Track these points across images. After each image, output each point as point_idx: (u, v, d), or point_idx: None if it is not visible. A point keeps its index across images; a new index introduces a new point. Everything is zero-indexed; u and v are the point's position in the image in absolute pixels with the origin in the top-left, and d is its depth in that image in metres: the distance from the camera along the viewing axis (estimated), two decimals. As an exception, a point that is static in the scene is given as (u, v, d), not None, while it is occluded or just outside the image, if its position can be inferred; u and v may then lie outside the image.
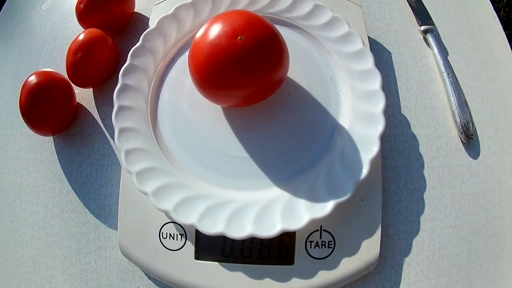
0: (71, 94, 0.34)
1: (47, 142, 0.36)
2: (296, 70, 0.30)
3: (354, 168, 0.27)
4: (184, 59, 0.31)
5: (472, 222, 0.31)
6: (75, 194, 0.33)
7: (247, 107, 0.28)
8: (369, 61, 0.29)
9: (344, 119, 0.29)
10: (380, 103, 0.28)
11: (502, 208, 0.32)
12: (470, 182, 0.32)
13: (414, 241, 0.30)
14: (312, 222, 0.25)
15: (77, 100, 0.35)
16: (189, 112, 0.29)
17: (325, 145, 0.28)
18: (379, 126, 0.27)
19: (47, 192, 0.34)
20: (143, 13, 0.37)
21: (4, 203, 0.36)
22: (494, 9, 0.41)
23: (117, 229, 0.31)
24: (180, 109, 0.29)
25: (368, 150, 0.27)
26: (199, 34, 0.26)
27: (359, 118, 0.28)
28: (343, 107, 0.29)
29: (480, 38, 0.38)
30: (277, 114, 0.29)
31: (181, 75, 0.31)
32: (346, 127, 0.28)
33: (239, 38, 0.24)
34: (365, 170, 0.26)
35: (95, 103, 0.35)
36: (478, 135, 0.33)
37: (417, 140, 0.32)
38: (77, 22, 0.36)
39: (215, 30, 0.25)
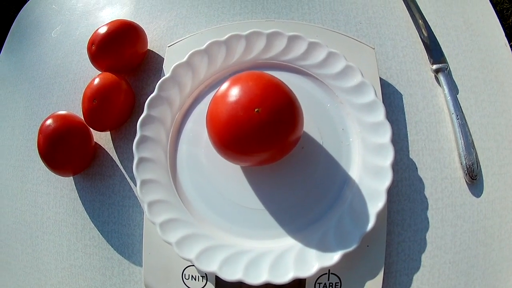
0: (89, 136, 0.37)
1: (66, 179, 0.40)
2: (310, 122, 0.33)
3: (361, 220, 0.31)
4: (199, 110, 0.34)
5: (470, 256, 0.36)
6: (98, 231, 0.37)
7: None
8: (380, 114, 0.33)
9: (354, 172, 0.32)
10: (389, 157, 0.31)
11: (501, 241, 0.36)
12: (472, 220, 0.36)
13: (415, 277, 0.35)
14: (321, 270, 0.30)
15: (94, 140, 0.38)
16: (207, 165, 0.33)
17: (336, 197, 0.32)
18: (387, 181, 0.31)
19: (69, 227, 0.39)
20: (156, 51, 0.40)
21: (25, 232, 0.41)
22: (502, 18, 0.43)
23: (140, 265, 0.36)
24: (199, 162, 0.33)
25: (375, 204, 0.31)
26: (217, 96, 0.29)
27: (368, 171, 0.32)
28: (353, 159, 0.33)
29: (491, 69, 0.40)
30: (292, 168, 0.32)
31: (198, 127, 0.34)
32: (355, 180, 0.32)
33: (256, 110, 0.27)
34: (371, 224, 0.30)
35: (113, 144, 0.38)
36: (483, 173, 0.37)
37: (423, 183, 0.36)
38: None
39: (232, 98, 0.28)
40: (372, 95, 0.33)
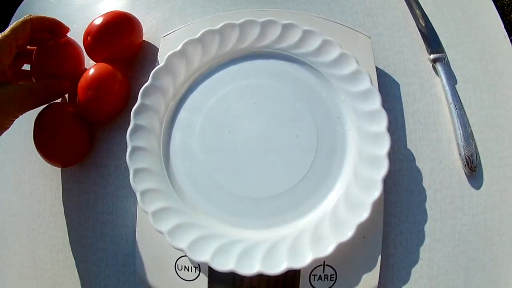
0: (84, 127, 0.37)
1: (62, 170, 0.39)
2: (304, 110, 0.33)
3: (356, 210, 0.30)
4: (193, 98, 0.34)
5: (470, 250, 0.34)
6: (93, 223, 0.37)
7: (257, 149, 0.32)
8: (376, 102, 0.32)
9: (350, 161, 0.32)
10: (385, 146, 0.31)
11: (501, 235, 0.35)
12: (471, 212, 0.35)
13: (413, 270, 0.34)
14: (315, 260, 0.29)
15: (89, 131, 0.38)
16: (201, 153, 0.32)
17: (330, 187, 0.31)
18: (383, 169, 0.30)
19: (64, 219, 0.38)
20: (151, 42, 0.40)
21: (21, 225, 0.40)
22: (502, 14, 0.43)
23: (134, 256, 0.35)
24: (192, 150, 0.33)
25: (371, 193, 0.30)
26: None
27: (364, 159, 0.31)
28: (349, 148, 0.32)
29: (490, 61, 0.40)
30: (286, 156, 0.32)
31: (191, 115, 0.33)
32: (351, 169, 0.31)
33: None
34: (366, 213, 0.30)
35: (108, 135, 0.38)
36: (482, 165, 0.36)
37: (421, 174, 0.35)
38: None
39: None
40: (368, 83, 0.32)
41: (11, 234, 0.41)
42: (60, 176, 0.39)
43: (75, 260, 0.37)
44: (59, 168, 0.39)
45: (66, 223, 0.38)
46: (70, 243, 0.38)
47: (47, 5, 0.46)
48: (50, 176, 0.40)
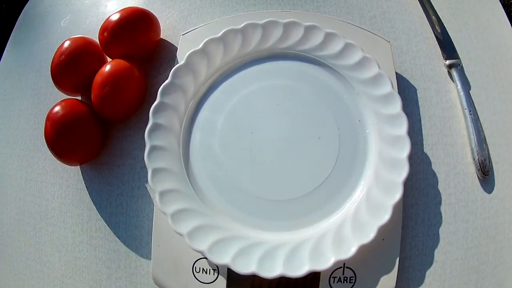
0: (98, 124, 0.35)
1: (73, 168, 0.38)
2: (326, 113, 0.32)
3: (378, 212, 0.30)
4: (214, 98, 0.33)
5: (481, 253, 0.34)
6: (105, 223, 0.35)
7: (279, 151, 0.31)
8: (397, 106, 0.31)
9: (371, 163, 0.31)
10: (405, 149, 0.30)
11: (511, 238, 0.36)
12: (483, 216, 0.35)
13: (428, 273, 0.34)
14: (337, 262, 0.29)
15: (103, 129, 0.37)
16: (222, 154, 0.32)
17: (352, 188, 0.31)
18: (403, 173, 0.30)
19: (75, 218, 0.37)
20: (169, 40, 0.38)
21: (28, 223, 0.39)
22: (510, 20, 0.43)
23: (148, 258, 0.34)
24: (213, 150, 0.32)
25: (392, 195, 0.30)
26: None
27: (385, 162, 0.31)
28: (370, 151, 0.32)
29: (502, 67, 0.40)
30: (308, 158, 0.31)
31: (212, 115, 0.32)
32: (372, 171, 0.31)
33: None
34: (387, 216, 0.29)
35: (123, 133, 0.37)
36: (494, 170, 0.36)
37: (436, 177, 0.35)
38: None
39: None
40: (389, 87, 0.32)
41: (17, 233, 0.39)
42: (70, 175, 0.38)
43: (85, 261, 0.36)
44: (69, 167, 0.38)
45: (76, 223, 0.36)
46: (80, 244, 0.36)
47: (58, 0, 0.45)
48: (60, 174, 0.38)
